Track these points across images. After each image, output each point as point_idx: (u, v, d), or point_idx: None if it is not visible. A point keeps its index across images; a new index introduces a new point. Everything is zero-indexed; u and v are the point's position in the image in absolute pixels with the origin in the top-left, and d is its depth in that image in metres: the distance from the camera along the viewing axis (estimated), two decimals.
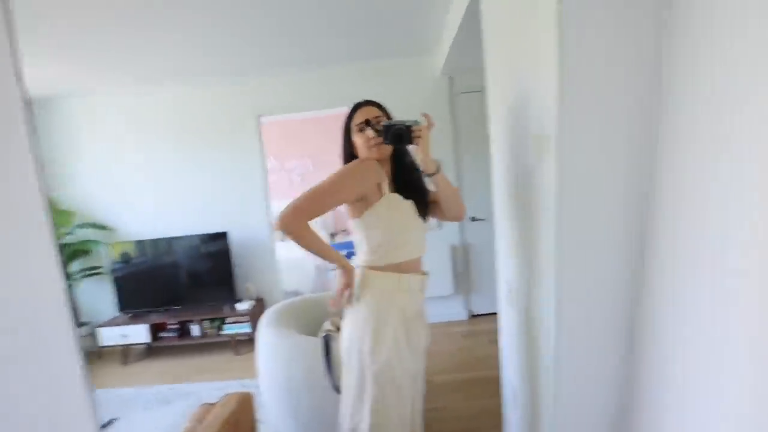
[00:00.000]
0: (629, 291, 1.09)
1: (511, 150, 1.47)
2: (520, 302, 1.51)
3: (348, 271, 1.33)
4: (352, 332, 1.35)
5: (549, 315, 1.19)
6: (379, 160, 1.34)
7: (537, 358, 1.38)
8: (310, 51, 3.02)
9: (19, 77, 0.57)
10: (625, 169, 1.02)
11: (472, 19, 2.10)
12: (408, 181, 1.39)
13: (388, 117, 1.40)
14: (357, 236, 1.39)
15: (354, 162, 1.31)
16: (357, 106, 1.38)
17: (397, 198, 1.34)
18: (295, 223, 1.21)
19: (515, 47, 1.35)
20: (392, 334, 1.33)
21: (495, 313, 3.58)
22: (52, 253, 0.59)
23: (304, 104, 3.53)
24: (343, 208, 1.38)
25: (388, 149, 1.34)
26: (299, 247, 1.24)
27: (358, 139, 1.35)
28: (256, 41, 2.74)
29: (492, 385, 2.54)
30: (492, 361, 2.86)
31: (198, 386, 2.95)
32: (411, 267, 1.39)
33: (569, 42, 0.95)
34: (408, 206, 1.36)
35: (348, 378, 1.39)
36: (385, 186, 1.33)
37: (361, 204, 1.32)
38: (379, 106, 1.39)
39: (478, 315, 3.79)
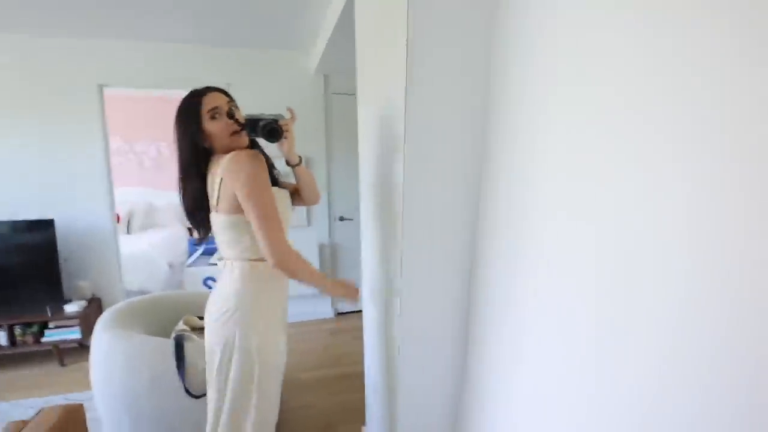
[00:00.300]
0: (463, 287, 1.25)
1: (374, 151, 1.54)
2: (380, 300, 1.59)
3: (341, 287, 1.38)
4: (232, 330, 1.27)
5: (399, 308, 1.29)
6: (235, 150, 1.25)
7: (393, 354, 1.47)
8: (174, 24, 2.71)
9: None
10: (460, 171, 1.19)
11: (347, 20, 2.13)
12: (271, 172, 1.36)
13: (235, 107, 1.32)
14: (232, 232, 1.26)
15: (247, 160, 1.18)
16: (203, 92, 1.26)
17: (280, 191, 1.34)
18: (294, 261, 1.23)
19: (380, 51, 1.42)
20: (278, 324, 1.36)
21: (360, 311, 3.75)
22: None
23: (158, 80, 3.12)
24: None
25: (245, 139, 1.27)
26: (300, 281, 1.27)
27: (212, 127, 1.23)
28: (109, 2, 2.35)
29: (357, 380, 2.62)
30: (356, 357, 2.96)
31: (5, 405, 2.41)
32: None
33: (416, 52, 1.08)
34: (286, 197, 1.38)
35: (226, 379, 1.30)
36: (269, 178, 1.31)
37: None
38: (227, 94, 1.30)
39: (344, 313, 3.87)
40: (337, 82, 3.47)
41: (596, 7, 0.75)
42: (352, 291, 1.38)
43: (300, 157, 1.41)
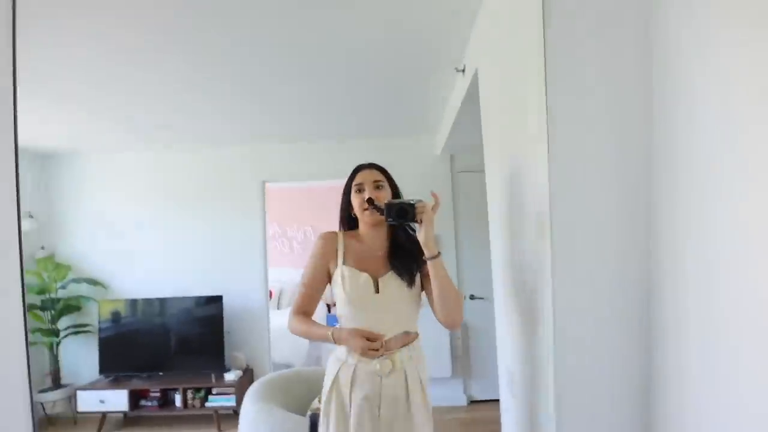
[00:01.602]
0: (633, 376, 1.01)
1: (509, 228, 1.47)
2: (521, 391, 1.42)
3: (335, 335, 1.28)
4: None
5: (549, 406, 1.11)
6: (372, 225, 1.34)
7: None
8: (319, 124, 3.19)
9: (15, 127, 0.59)
10: (618, 245, 1.00)
11: (472, 101, 2.22)
12: (401, 253, 1.35)
13: (390, 181, 1.41)
14: None
15: (317, 238, 1.39)
16: (359, 168, 1.41)
17: (350, 270, 1.31)
18: (289, 324, 1.36)
19: (509, 128, 1.41)
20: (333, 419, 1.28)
21: (496, 400, 3.40)
22: (18, 312, 0.57)
23: (308, 174, 3.66)
24: None
25: (373, 218, 1.33)
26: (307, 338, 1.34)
27: (354, 200, 1.36)
28: (267, 110, 2.90)
29: None
30: None
31: None
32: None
33: (555, 123, 0.99)
34: (364, 280, 1.30)
35: None
36: (339, 257, 1.33)
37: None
38: (381, 170, 1.41)
39: (478, 401, 3.55)
40: (462, 160, 3.56)
41: None
42: (358, 343, 1.23)
43: (439, 252, 1.24)
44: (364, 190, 1.34)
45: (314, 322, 1.36)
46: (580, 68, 1.00)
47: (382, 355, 1.25)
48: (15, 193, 0.58)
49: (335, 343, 1.29)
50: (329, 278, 1.36)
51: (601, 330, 1.02)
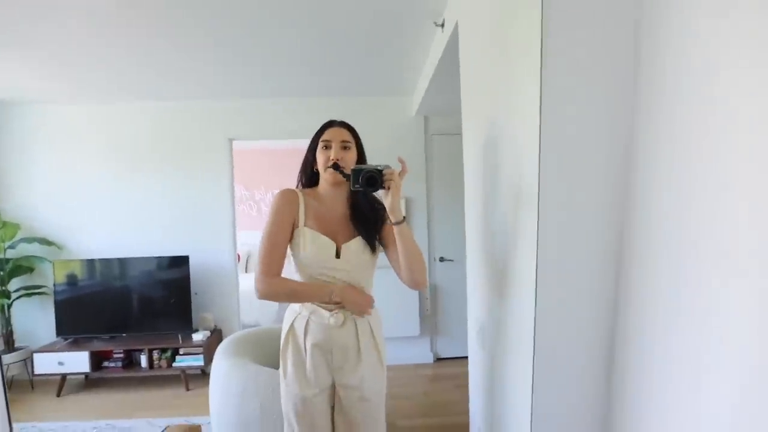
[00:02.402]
0: (607, 340, 1.07)
1: (485, 191, 1.49)
2: (490, 344, 1.48)
3: (340, 293, 1.29)
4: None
5: (524, 358, 1.16)
6: (333, 184, 1.34)
7: (505, 404, 1.33)
8: (288, 81, 3.06)
9: None
10: (604, 220, 1.02)
11: (448, 62, 2.18)
12: (363, 217, 1.36)
13: (358, 143, 1.38)
14: None
15: (278, 194, 1.34)
16: (329, 124, 1.37)
17: (311, 233, 1.31)
18: (268, 289, 1.29)
19: (492, 90, 1.39)
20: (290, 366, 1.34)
21: (461, 358, 3.57)
22: None
23: (277, 132, 3.53)
24: None
25: (333, 178, 1.33)
26: (290, 302, 1.37)
27: (319, 156, 1.34)
28: (235, 66, 2.75)
29: (458, 431, 2.44)
30: (457, 407, 2.77)
31: (139, 422, 2.70)
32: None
33: (549, 89, 0.97)
34: (325, 244, 1.31)
35: None
36: (300, 219, 1.33)
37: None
38: (350, 129, 1.38)
39: (444, 358, 3.71)
40: (436, 123, 3.54)
41: None
42: (363, 299, 1.31)
43: (404, 216, 1.26)
44: (330, 147, 1.33)
45: (303, 282, 1.33)
46: (581, 31, 0.97)
47: (334, 310, 1.31)
48: None
49: (336, 302, 1.28)
50: (291, 236, 1.35)
51: (578, 293, 1.06)
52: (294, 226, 1.33)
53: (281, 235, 1.31)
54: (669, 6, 0.86)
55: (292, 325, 1.36)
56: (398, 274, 1.33)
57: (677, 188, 0.84)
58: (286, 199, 1.34)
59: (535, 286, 1.04)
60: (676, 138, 0.84)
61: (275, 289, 1.30)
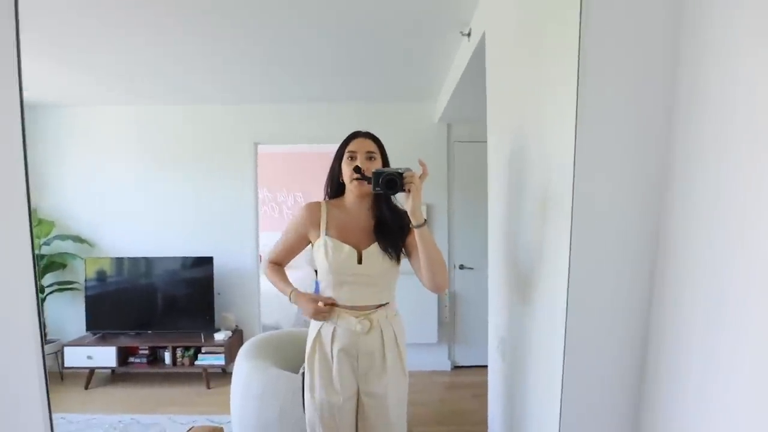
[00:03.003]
0: (639, 350, 1.04)
1: (511, 200, 1.48)
2: (511, 355, 1.47)
3: (293, 297, 1.43)
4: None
5: (548, 371, 1.14)
6: (359, 195, 1.38)
7: (527, 415, 1.32)
8: (314, 86, 3.10)
9: (20, 81, 0.55)
10: (639, 226, 1.00)
11: (474, 69, 2.17)
12: (386, 228, 1.38)
13: (383, 154, 1.41)
14: None
15: (302, 207, 1.46)
16: (354, 135, 1.40)
17: (333, 241, 1.36)
18: (264, 269, 1.53)
19: (520, 101, 1.38)
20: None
21: (479, 366, 3.54)
22: (29, 265, 0.55)
23: (302, 137, 3.59)
24: None
25: (362, 190, 1.36)
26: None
27: (345, 167, 1.37)
28: (262, 71, 2.80)
29: None
30: (475, 416, 2.75)
31: (162, 418, 2.77)
32: (348, 308, 1.37)
33: (585, 96, 0.95)
34: (347, 251, 1.34)
35: None
36: (323, 227, 1.38)
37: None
38: (375, 140, 1.40)
39: (462, 366, 3.68)
40: (459, 130, 3.53)
41: None
42: (311, 308, 1.37)
43: (426, 219, 1.27)
44: (355, 158, 1.35)
45: (283, 277, 1.49)
46: (618, 37, 0.95)
47: (359, 317, 1.35)
48: (22, 149, 0.55)
49: (291, 301, 1.44)
50: (307, 244, 1.46)
51: (611, 303, 1.04)
52: (311, 237, 1.43)
53: (293, 240, 1.47)
54: (712, 6, 0.84)
55: (318, 333, 1.38)
56: (420, 279, 1.35)
57: (716, 192, 0.81)
58: (307, 211, 1.44)
59: (566, 295, 1.02)
60: (718, 140, 0.82)
61: (267, 270, 1.52)
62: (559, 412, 1.07)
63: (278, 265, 1.51)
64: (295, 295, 1.43)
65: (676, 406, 0.92)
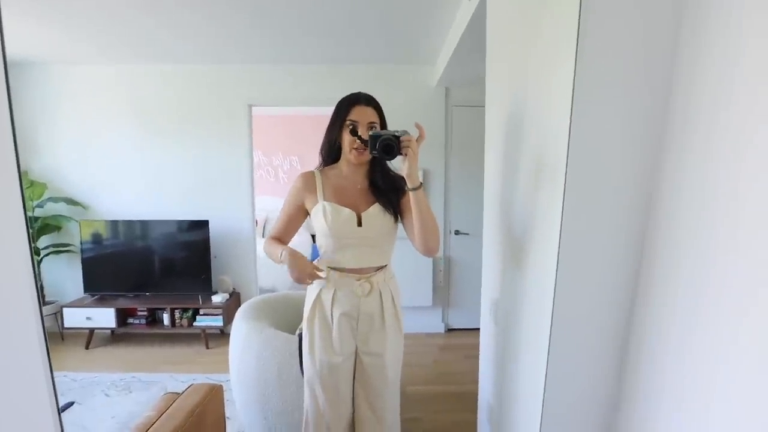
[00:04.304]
0: (625, 316, 1.08)
1: (507, 165, 1.47)
2: (503, 319, 1.51)
3: (284, 255, 1.33)
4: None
5: (537, 334, 1.17)
6: (356, 164, 1.37)
7: (516, 377, 1.37)
8: (310, 47, 3.00)
9: (2, 37, 0.53)
10: (630, 192, 1.00)
11: (474, 32, 2.11)
12: (381, 189, 1.39)
13: (383, 120, 1.38)
14: None
15: (296, 178, 1.43)
16: (355, 101, 1.34)
17: (331, 206, 1.35)
18: (264, 246, 1.45)
19: (520, 67, 1.35)
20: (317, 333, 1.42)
21: (472, 329, 3.63)
22: (22, 227, 0.55)
23: (297, 99, 3.49)
24: None
25: (362, 158, 1.35)
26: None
27: (345, 136, 1.35)
28: (256, 31, 2.70)
29: (465, 400, 2.52)
30: (467, 376, 2.85)
31: (163, 376, 2.85)
32: (349, 271, 1.40)
33: (584, 67, 0.93)
34: (346, 214, 1.35)
35: None
36: (319, 194, 1.37)
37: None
38: (376, 107, 1.37)
39: (455, 329, 3.78)
40: (458, 94, 3.46)
41: None
42: (305, 266, 1.32)
43: (421, 183, 1.26)
44: (357, 129, 1.32)
45: (276, 244, 1.41)
46: (620, 10, 0.92)
47: (360, 280, 1.37)
48: (9, 110, 0.53)
49: (282, 262, 1.35)
50: (306, 215, 1.45)
51: (599, 272, 1.06)
52: (308, 206, 1.41)
53: (293, 213, 1.43)
54: None
55: (318, 296, 1.40)
56: (413, 242, 1.36)
57: (705, 184, 0.82)
58: (302, 179, 1.42)
59: (556, 262, 1.05)
60: (711, 131, 0.82)
61: (264, 246, 1.45)
62: (545, 372, 1.11)
63: (279, 241, 1.43)
64: (288, 252, 1.32)
65: (659, 357, 0.96)
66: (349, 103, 1.35)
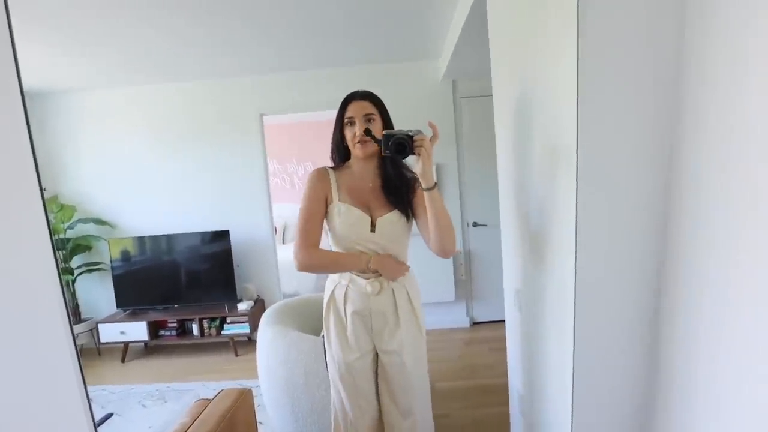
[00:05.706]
0: (650, 297, 1.05)
1: (518, 154, 1.46)
2: (527, 308, 1.49)
3: (375, 262, 1.33)
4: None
5: (563, 320, 1.16)
6: (364, 157, 1.36)
7: (544, 367, 1.36)
8: (315, 52, 3.03)
9: (17, 69, 0.56)
10: (646, 175, 0.98)
11: (475, 22, 2.09)
12: (394, 187, 1.38)
13: (382, 112, 1.38)
14: None
15: (311, 174, 1.39)
16: (350, 99, 1.36)
17: (346, 207, 1.34)
18: (307, 260, 1.32)
19: (523, 50, 1.34)
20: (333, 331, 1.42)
21: (497, 321, 3.61)
22: (48, 248, 0.58)
23: (307, 104, 3.53)
24: None
25: (367, 150, 1.34)
26: (329, 272, 1.42)
27: (346, 133, 1.36)
28: (261, 41, 2.74)
29: (495, 393, 2.51)
30: (494, 369, 2.84)
31: (196, 385, 2.93)
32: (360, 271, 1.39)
33: (588, 47, 0.92)
34: (359, 218, 1.34)
35: None
36: (333, 194, 1.36)
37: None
38: (373, 99, 1.36)
39: (480, 322, 3.75)
40: (464, 86, 3.44)
41: None
42: (398, 266, 1.36)
43: (436, 183, 1.24)
44: (354, 124, 1.33)
45: (340, 253, 1.37)
46: None
47: (370, 278, 1.36)
48: (28, 137, 0.56)
49: (372, 269, 1.33)
50: (326, 207, 1.38)
51: (619, 257, 1.04)
52: (327, 202, 1.37)
53: (315, 208, 1.35)
54: None
55: (332, 294, 1.42)
56: (427, 242, 1.34)
57: (726, 164, 0.80)
58: (317, 175, 1.39)
59: (575, 248, 1.03)
60: (728, 107, 0.79)
61: (313, 260, 1.33)
62: (572, 359, 1.10)
63: (315, 246, 1.33)
64: (375, 261, 1.32)
65: (690, 349, 0.93)
66: (344, 101, 1.37)
